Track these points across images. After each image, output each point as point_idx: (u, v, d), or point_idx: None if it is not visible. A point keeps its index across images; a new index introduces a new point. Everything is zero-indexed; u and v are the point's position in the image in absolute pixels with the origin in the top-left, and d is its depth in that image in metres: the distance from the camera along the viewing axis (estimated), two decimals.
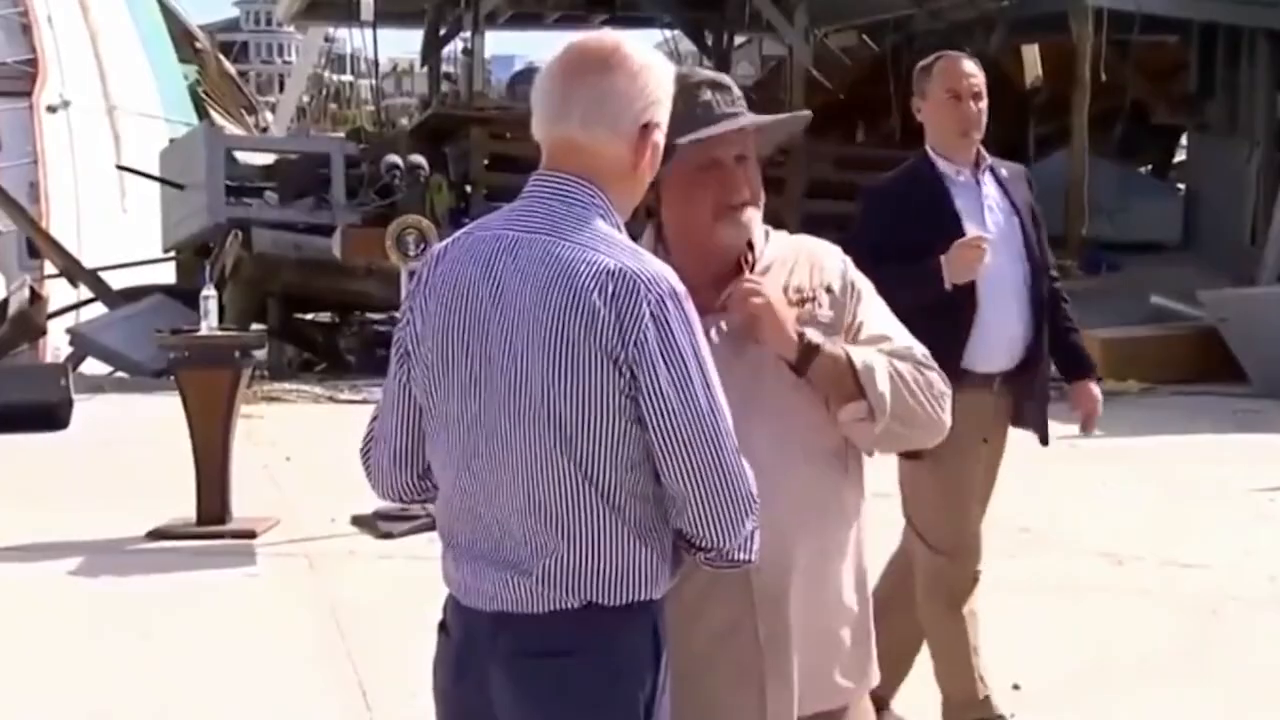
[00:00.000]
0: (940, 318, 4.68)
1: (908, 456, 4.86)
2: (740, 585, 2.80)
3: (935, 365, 2.98)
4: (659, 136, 2.62)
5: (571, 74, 2.58)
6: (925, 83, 4.97)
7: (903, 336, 2.99)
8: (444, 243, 2.72)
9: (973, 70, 4.96)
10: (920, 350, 2.97)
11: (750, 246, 2.93)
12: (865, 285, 3.01)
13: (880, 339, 2.95)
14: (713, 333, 2.81)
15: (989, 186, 4.95)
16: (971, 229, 4.78)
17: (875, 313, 2.99)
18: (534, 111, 2.62)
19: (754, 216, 2.89)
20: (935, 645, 5.05)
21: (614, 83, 2.57)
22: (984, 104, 4.95)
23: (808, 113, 3.12)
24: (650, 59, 2.61)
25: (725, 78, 2.95)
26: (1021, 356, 4.91)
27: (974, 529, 5.04)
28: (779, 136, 3.04)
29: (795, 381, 2.86)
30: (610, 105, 2.56)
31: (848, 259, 3.02)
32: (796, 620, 2.85)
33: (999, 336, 4.85)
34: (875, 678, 3.04)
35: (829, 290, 2.95)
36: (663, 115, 2.62)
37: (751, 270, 2.91)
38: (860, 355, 2.87)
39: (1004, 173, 5.01)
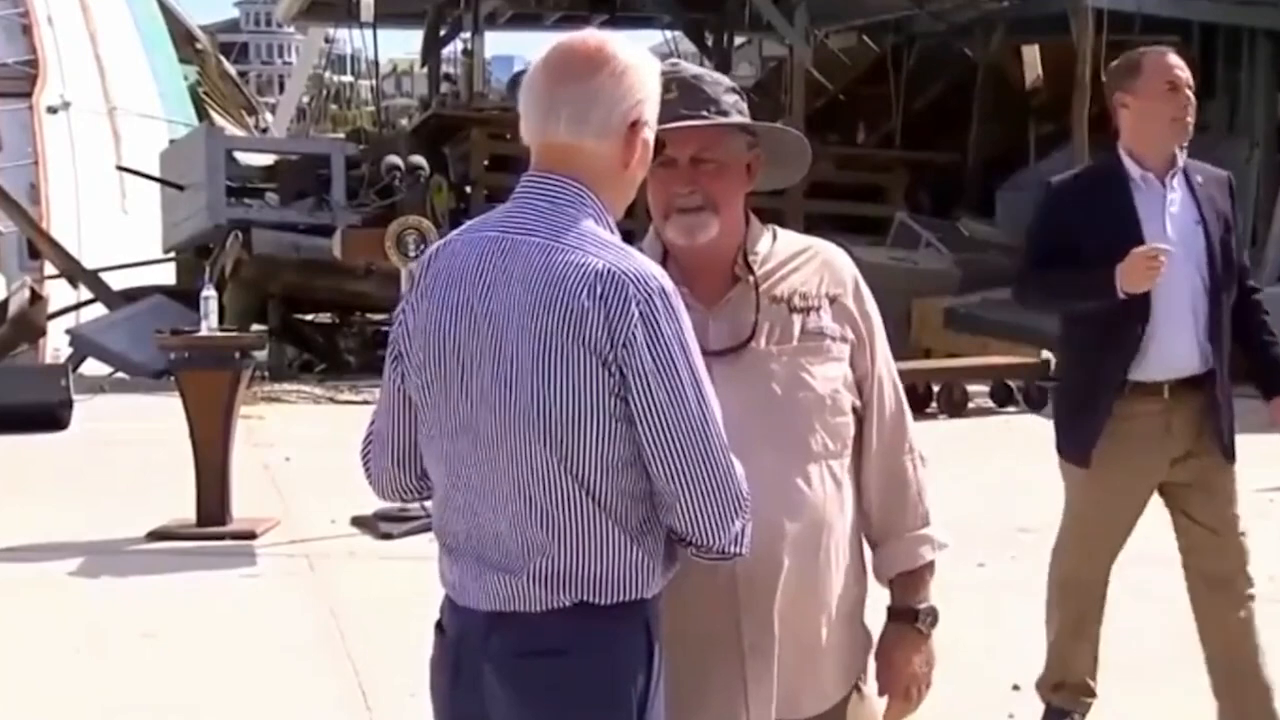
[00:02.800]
0: (1110, 328, 4.67)
1: (1069, 460, 4.88)
2: (727, 594, 2.79)
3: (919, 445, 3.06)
4: (648, 134, 2.62)
5: (556, 76, 2.58)
6: (1133, 78, 4.76)
7: (903, 401, 3.02)
8: (437, 244, 2.72)
9: (1183, 63, 4.78)
10: (915, 432, 3.04)
11: (744, 254, 2.89)
12: (878, 320, 2.98)
13: (889, 413, 2.97)
14: (710, 335, 2.80)
15: (1177, 191, 4.76)
16: (1151, 236, 4.60)
17: (882, 361, 2.98)
18: (521, 114, 2.62)
19: (706, 223, 2.82)
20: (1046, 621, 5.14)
21: (600, 83, 2.56)
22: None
23: (791, 130, 3.06)
24: (634, 57, 2.60)
25: (709, 76, 2.89)
26: (1196, 368, 4.74)
27: (1101, 561, 5.04)
28: (788, 170, 2.99)
29: (803, 394, 2.86)
30: (597, 106, 2.56)
31: (859, 276, 2.98)
32: (783, 630, 2.84)
33: (1170, 348, 4.70)
34: (870, 681, 3.04)
35: (833, 300, 2.92)
36: (650, 112, 2.61)
37: (747, 280, 2.87)
38: (924, 548, 3.02)
39: (1199, 178, 4.80)
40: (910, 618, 3.01)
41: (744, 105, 2.91)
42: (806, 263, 2.94)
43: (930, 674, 3.03)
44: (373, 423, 2.78)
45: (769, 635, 2.83)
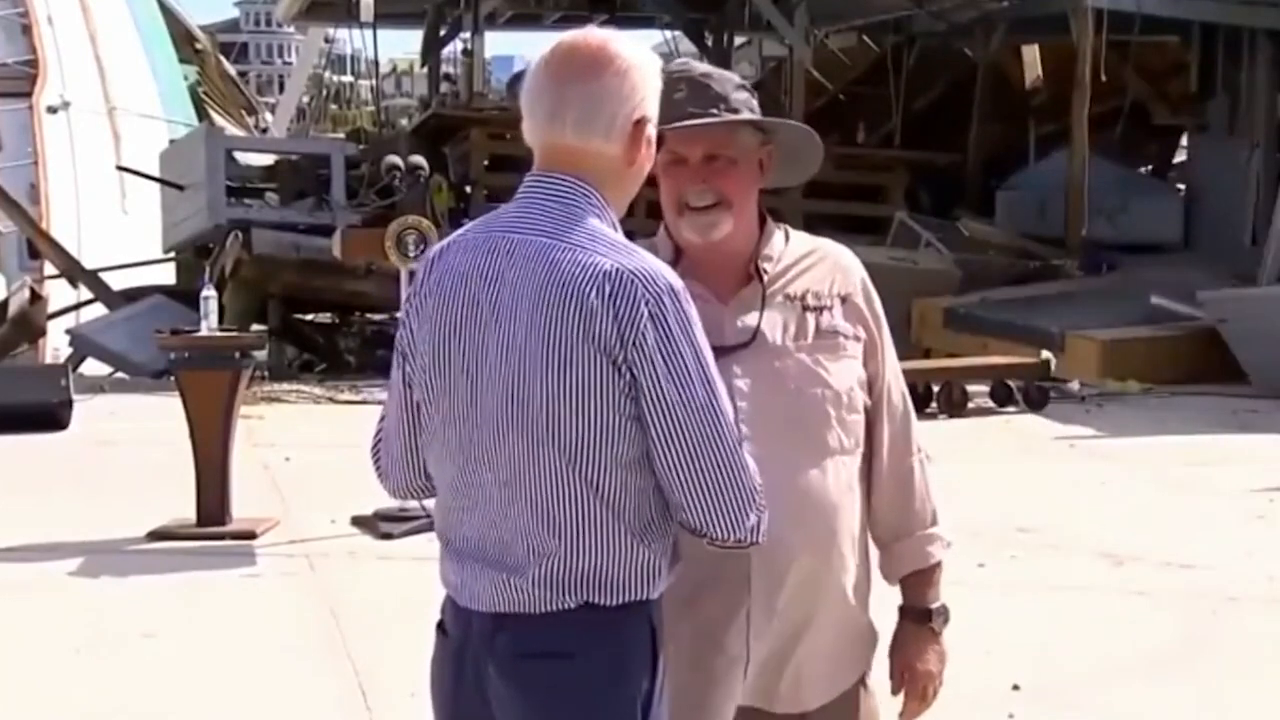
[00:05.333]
0: None
1: None
2: (740, 582, 2.81)
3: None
4: (651, 130, 2.62)
5: (561, 77, 2.58)
6: None
7: (909, 402, 3.05)
8: (440, 244, 2.72)
9: None
10: (919, 432, 3.05)
11: (756, 257, 2.90)
12: (885, 322, 3.00)
13: (897, 413, 3.00)
14: (728, 330, 2.83)
15: None
16: None
17: (890, 362, 3.00)
18: (525, 115, 2.61)
19: (720, 220, 2.84)
20: None
21: (605, 84, 2.56)
22: None
23: (800, 124, 3.07)
24: (637, 55, 2.60)
25: (718, 74, 2.90)
26: None
27: None
28: (801, 165, 3.00)
29: (820, 389, 2.88)
30: (604, 107, 2.56)
31: (867, 277, 3.00)
32: (794, 621, 2.87)
33: None
34: (873, 676, 3.05)
35: (845, 299, 2.95)
36: (652, 109, 2.62)
37: (761, 279, 2.89)
38: (933, 547, 3.05)
39: None
40: (924, 617, 3.05)
41: (754, 102, 2.92)
42: (818, 263, 2.97)
43: (943, 672, 3.06)
44: (382, 420, 2.78)
45: (772, 624, 2.85)
